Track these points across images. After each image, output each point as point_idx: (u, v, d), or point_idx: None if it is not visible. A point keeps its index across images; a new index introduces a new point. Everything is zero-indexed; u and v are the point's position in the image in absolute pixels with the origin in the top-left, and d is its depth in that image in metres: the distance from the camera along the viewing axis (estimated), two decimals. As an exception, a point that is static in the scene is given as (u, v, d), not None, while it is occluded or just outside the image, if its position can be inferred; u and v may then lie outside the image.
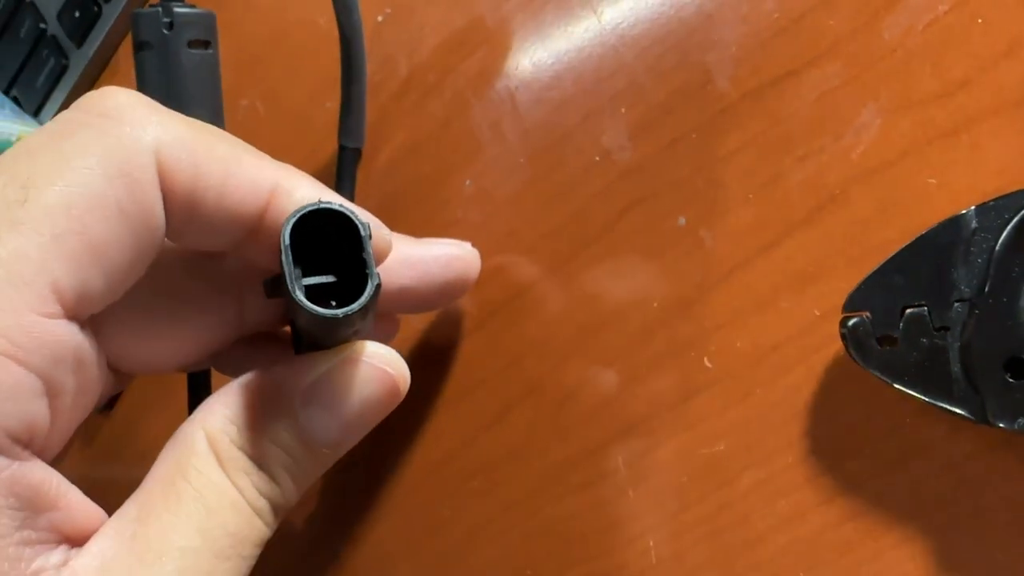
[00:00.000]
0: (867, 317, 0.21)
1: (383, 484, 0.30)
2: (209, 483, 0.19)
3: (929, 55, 0.22)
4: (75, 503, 0.19)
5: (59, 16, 0.41)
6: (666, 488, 0.25)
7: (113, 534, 0.19)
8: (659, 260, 0.25)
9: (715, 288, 0.24)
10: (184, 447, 0.20)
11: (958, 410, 0.20)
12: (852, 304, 0.21)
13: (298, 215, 0.18)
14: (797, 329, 0.23)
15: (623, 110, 0.26)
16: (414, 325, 0.30)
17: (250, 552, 0.20)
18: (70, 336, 0.19)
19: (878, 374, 0.21)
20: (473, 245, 0.27)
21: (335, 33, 0.29)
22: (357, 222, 0.19)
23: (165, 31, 0.27)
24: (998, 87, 0.21)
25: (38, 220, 0.18)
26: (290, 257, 0.18)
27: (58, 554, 0.19)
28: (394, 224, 0.23)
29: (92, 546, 0.19)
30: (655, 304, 0.25)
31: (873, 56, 0.23)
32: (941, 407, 0.20)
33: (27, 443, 0.19)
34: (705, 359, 0.24)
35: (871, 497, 0.22)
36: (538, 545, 0.27)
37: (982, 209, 0.20)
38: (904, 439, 0.21)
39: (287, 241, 0.18)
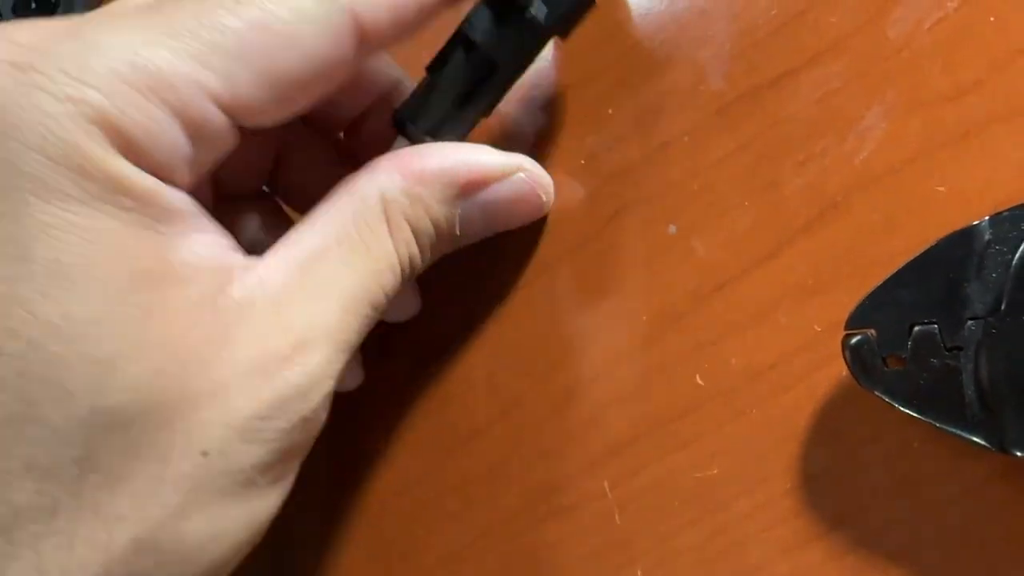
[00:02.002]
0: (872, 335, 0.19)
1: (352, 504, 0.28)
2: (379, 245, 0.22)
3: (939, 54, 0.21)
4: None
5: (14, 9, 0.39)
6: (655, 513, 0.23)
7: (289, 259, 0.21)
8: (648, 270, 0.24)
9: (708, 300, 0.23)
10: (363, 204, 0.22)
11: (974, 437, 0.18)
12: (856, 321, 0.20)
13: None
14: (796, 345, 0.22)
15: (610, 111, 0.25)
16: (392, 334, 0.28)
17: (384, 303, 0.22)
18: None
19: (884, 397, 0.19)
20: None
21: None
22: None
23: None
24: (1012, 88, 0.20)
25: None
26: None
27: (240, 257, 0.21)
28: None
29: (271, 261, 0.21)
30: (644, 317, 0.24)
31: (878, 55, 0.21)
32: (954, 433, 0.19)
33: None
34: (697, 376, 0.23)
35: (877, 526, 0.20)
36: (517, 572, 0.25)
37: (996, 220, 0.19)
38: (912, 465, 0.20)
39: None
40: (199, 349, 0.19)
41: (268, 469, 0.20)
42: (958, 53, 0.21)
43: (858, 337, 0.19)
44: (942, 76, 0.21)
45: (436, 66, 0.24)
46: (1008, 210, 0.19)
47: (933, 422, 0.19)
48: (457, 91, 0.23)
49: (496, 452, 0.26)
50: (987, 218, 0.19)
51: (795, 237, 0.22)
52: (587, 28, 0.25)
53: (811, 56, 0.22)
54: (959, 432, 0.19)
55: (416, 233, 0.22)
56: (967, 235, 0.19)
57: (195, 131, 0.19)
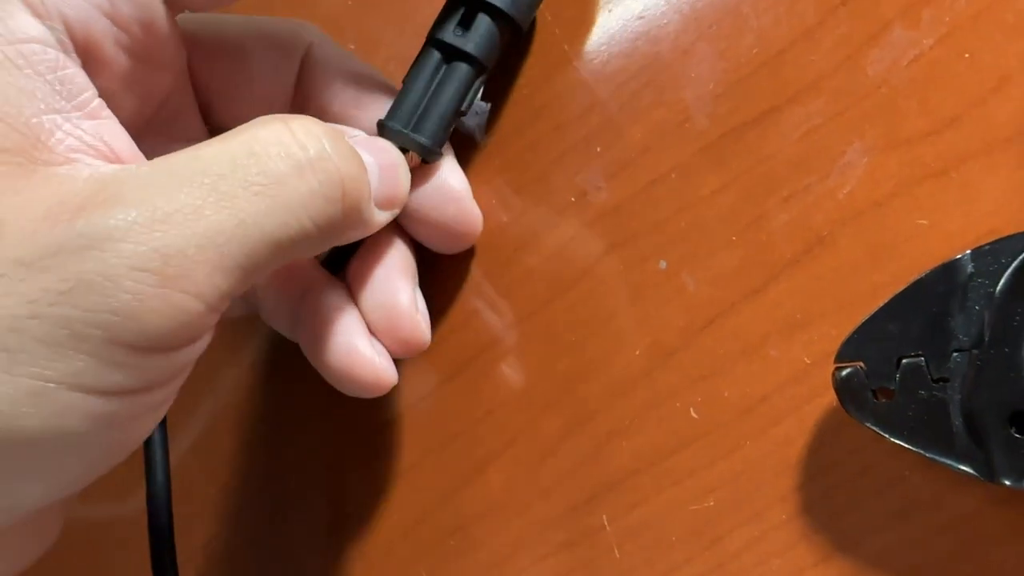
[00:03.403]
0: (861, 367, 0.20)
1: (355, 545, 0.28)
2: (273, 131, 0.19)
3: (915, 92, 0.21)
4: (118, 133, 0.19)
5: None
6: (654, 547, 0.23)
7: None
8: (640, 305, 0.24)
9: (700, 335, 0.23)
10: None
11: (962, 466, 0.19)
12: (845, 354, 0.20)
13: None
14: (786, 378, 0.22)
15: (598, 149, 0.25)
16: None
17: (306, 217, 0.19)
18: None
19: (875, 428, 0.20)
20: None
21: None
22: None
23: None
24: (988, 124, 0.21)
25: None
26: None
27: (92, 157, 0.18)
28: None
29: (128, 166, 0.18)
30: (637, 352, 0.24)
31: (857, 93, 0.22)
32: (943, 463, 0.19)
33: (83, 48, 0.19)
34: (691, 410, 0.23)
35: (870, 555, 0.21)
36: (520, 608, 0.25)
37: (978, 253, 0.19)
38: (903, 494, 0.20)
39: None
40: None
41: (43, 349, 0.16)
42: (935, 90, 0.21)
43: (848, 370, 0.20)
44: (920, 113, 0.21)
45: (409, 70, 0.25)
46: (989, 243, 0.19)
47: (923, 452, 0.19)
48: (425, 87, 0.25)
49: (497, 490, 0.26)
50: (969, 251, 0.19)
51: (782, 271, 0.22)
52: (578, 68, 0.26)
53: (793, 94, 0.23)
54: (948, 462, 0.19)
55: (327, 134, 0.20)
56: (950, 268, 0.19)
57: None
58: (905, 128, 0.21)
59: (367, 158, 0.22)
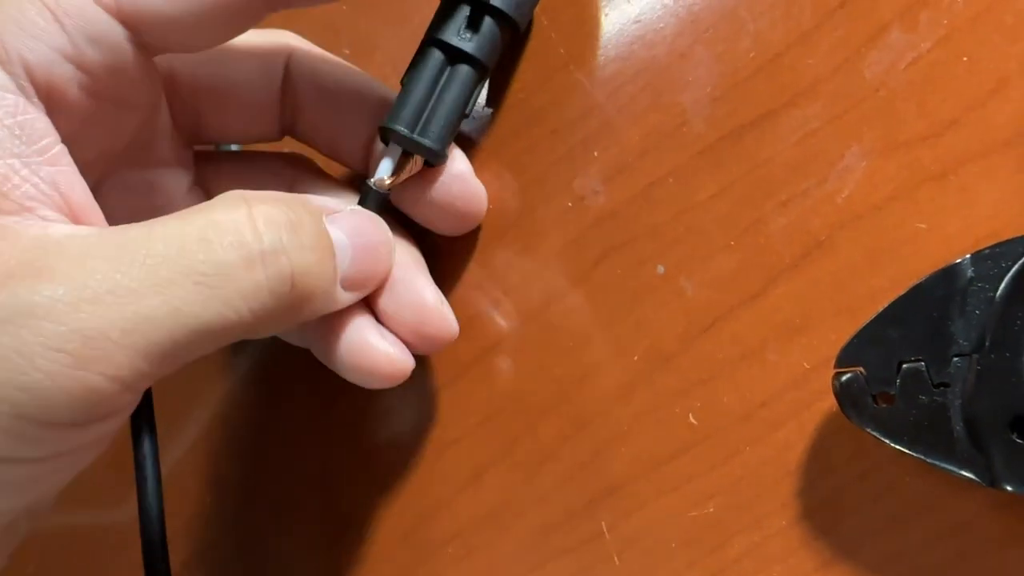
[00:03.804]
0: (861, 373, 0.20)
1: (352, 551, 0.28)
2: (224, 219, 0.19)
3: (913, 94, 0.21)
4: (76, 182, 0.19)
5: None
6: (654, 553, 0.23)
7: (99, 230, 0.18)
8: (638, 310, 0.24)
9: (698, 339, 0.23)
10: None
11: (962, 471, 0.19)
12: (845, 359, 0.20)
13: None
14: (786, 383, 0.22)
15: (595, 153, 0.25)
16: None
17: (240, 301, 0.18)
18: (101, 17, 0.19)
19: (875, 433, 0.19)
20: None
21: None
22: None
23: None
24: (986, 127, 0.21)
25: None
26: None
27: (47, 208, 0.18)
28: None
29: (85, 227, 0.18)
30: (635, 357, 0.24)
31: (855, 96, 0.22)
32: (944, 468, 0.19)
33: (45, 93, 0.19)
34: (690, 415, 0.23)
35: (870, 561, 0.21)
36: (519, 615, 0.25)
37: (978, 257, 0.19)
38: (904, 499, 0.20)
39: None
40: None
41: None
42: (933, 93, 0.21)
43: (848, 375, 0.20)
44: (918, 116, 0.21)
45: (408, 71, 0.25)
46: (988, 247, 0.19)
47: (924, 457, 0.19)
48: (429, 89, 0.24)
49: (495, 496, 0.26)
50: (968, 256, 0.19)
51: (781, 276, 0.22)
52: (574, 71, 0.26)
53: (790, 97, 0.23)
54: (949, 467, 0.19)
55: (287, 225, 0.19)
56: (950, 273, 0.19)
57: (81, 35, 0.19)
58: (903, 131, 0.21)
59: (341, 240, 0.21)
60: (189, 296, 0.17)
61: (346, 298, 0.22)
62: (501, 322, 0.26)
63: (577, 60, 0.26)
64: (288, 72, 0.25)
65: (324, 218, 0.21)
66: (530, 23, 0.26)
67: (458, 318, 0.27)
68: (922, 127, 0.21)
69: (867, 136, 0.22)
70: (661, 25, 0.25)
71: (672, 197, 0.24)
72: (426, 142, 0.24)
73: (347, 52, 0.30)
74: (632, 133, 0.25)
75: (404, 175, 0.24)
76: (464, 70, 0.24)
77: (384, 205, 0.24)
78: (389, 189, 0.24)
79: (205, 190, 0.26)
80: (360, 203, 0.24)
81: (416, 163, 0.24)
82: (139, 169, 0.23)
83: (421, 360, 0.27)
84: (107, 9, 0.20)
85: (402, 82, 0.25)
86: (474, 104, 0.25)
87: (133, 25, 0.20)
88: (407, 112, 0.24)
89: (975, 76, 0.21)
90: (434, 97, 0.24)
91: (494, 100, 0.27)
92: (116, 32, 0.20)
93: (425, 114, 0.24)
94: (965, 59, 0.21)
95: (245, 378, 0.31)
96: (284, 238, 0.19)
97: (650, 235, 0.24)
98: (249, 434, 0.30)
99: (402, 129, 0.24)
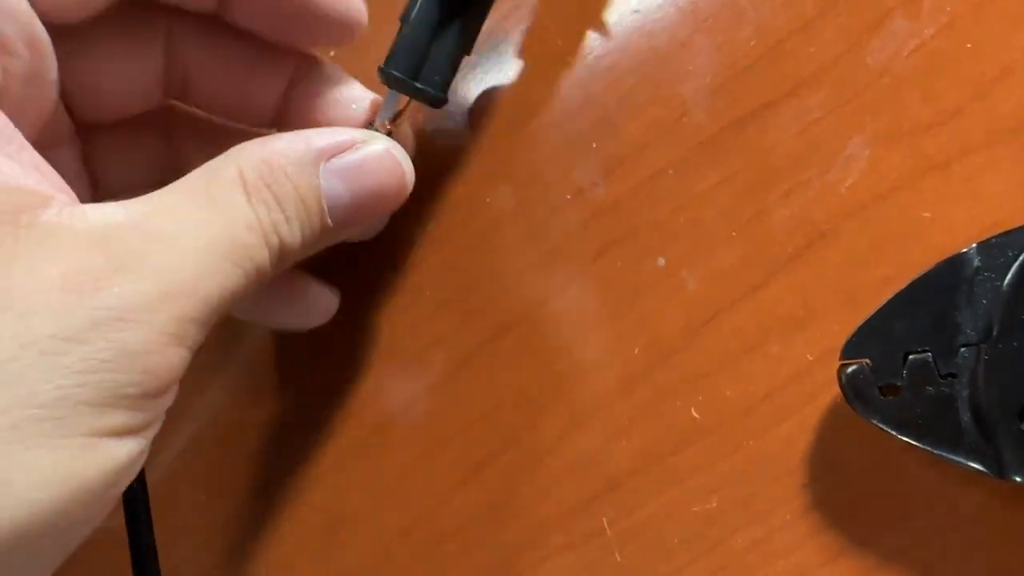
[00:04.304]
0: (867, 364, 0.19)
1: (352, 548, 0.28)
2: (232, 202, 0.20)
3: (917, 82, 0.21)
4: (42, 162, 0.20)
5: None
6: (656, 549, 0.23)
7: (129, 208, 0.19)
8: (639, 303, 0.24)
9: (700, 333, 0.23)
10: (213, 173, 0.21)
11: (971, 463, 0.18)
12: (850, 351, 0.20)
13: None
14: (789, 375, 0.22)
15: (594, 145, 0.25)
16: (380, 378, 0.28)
17: (252, 269, 0.20)
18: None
19: (881, 425, 0.19)
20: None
21: None
22: None
23: None
24: (992, 115, 0.20)
25: None
26: None
27: (72, 200, 0.19)
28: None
29: (104, 207, 0.19)
30: (636, 351, 0.24)
31: (858, 84, 0.22)
32: (952, 460, 0.19)
33: None
34: (692, 409, 0.23)
35: (878, 555, 0.20)
36: (520, 613, 0.25)
37: (984, 247, 0.19)
38: (911, 492, 0.20)
39: None
40: None
41: (89, 410, 0.18)
42: (937, 81, 0.21)
43: (853, 367, 0.19)
44: (922, 104, 0.21)
45: (407, 10, 0.24)
46: (995, 236, 0.19)
47: (931, 449, 0.19)
48: (430, 27, 0.23)
49: (495, 491, 0.25)
50: (975, 245, 0.19)
51: (784, 267, 0.22)
52: (572, 62, 0.25)
53: (792, 87, 0.22)
54: (957, 459, 0.19)
55: (278, 198, 0.21)
56: (956, 263, 0.19)
57: None
58: (907, 120, 0.21)
59: (338, 193, 0.22)
60: (230, 282, 0.20)
61: (340, 236, 0.23)
62: (500, 316, 0.26)
63: (574, 51, 0.26)
64: (172, 44, 0.25)
65: (322, 167, 0.22)
66: None
67: (457, 310, 0.27)
68: (926, 115, 0.21)
69: (870, 125, 0.21)
70: (660, 15, 0.24)
71: (673, 189, 0.24)
72: (427, 88, 0.24)
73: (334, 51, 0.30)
74: (631, 124, 0.24)
75: (403, 118, 0.24)
76: (464, 9, 0.24)
77: None
78: (389, 132, 0.24)
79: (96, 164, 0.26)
80: None
81: (416, 105, 0.24)
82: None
83: (419, 355, 0.27)
84: None
85: (401, 19, 0.24)
86: (474, 42, 0.24)
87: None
88: (406, 55, 0.23)
89: (979, 64, 0.21)
90: (434, 39, 0.23)
91: (489, 93, 0.27)
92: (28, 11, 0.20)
93: (425, 57, 0.23)
94: (969, 46, 0.21)
95: (235, 378, 0.30)
96: (271, 215, 0.21)
97: (651, 227, 0.24)
98: (244, 432, 0.30)
99: (400, 75, 0.23)
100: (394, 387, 0.28)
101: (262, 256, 0.21)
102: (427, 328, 0.27)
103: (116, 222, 0.19)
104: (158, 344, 0.19)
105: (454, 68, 0.24)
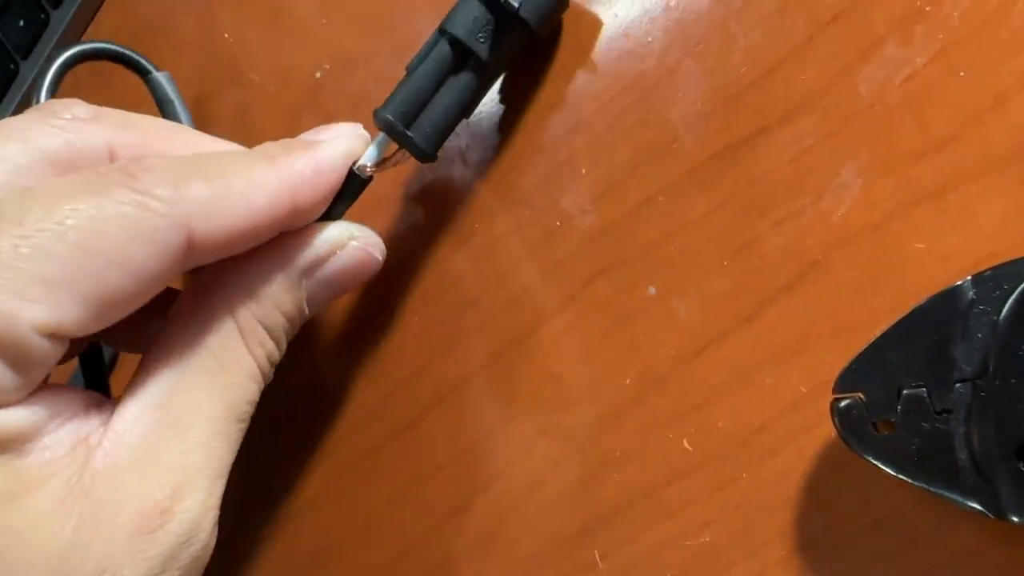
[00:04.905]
0: (860, 399, 0.19)
1: (338, 581, 0.27)
2: (235, 360, 0.22)
3: (910, 110, 0.21)
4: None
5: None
6: (648, 584, 0.22)
7: (147, 401, 0.21)
8: (630, 332, 0.24)
9: (691, 363, 0.23)
10: (212, 320, 0.21)
11: (967, 502, 0.18)
12: (843, 384, 0.19)
13: None
14: (783, 407, 0.21)
15: (583, 171, 0.25)
16: (369, 406, 0.27)
17: (252, 410, 0.22)
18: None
19: (876, 462, 0.19)
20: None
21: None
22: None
23: None
24: (985, 143, 0.20)
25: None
26: None
27: (93, 418, 0.20)
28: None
29: (127, 412, 0.20)
30: (627, 381, 0.23)
31: (850, 111, 0.21)
32: (949, 498, 0.18)
33: None
34: (685, 441, 0.22)
35: (873, 592, 0.20)
36: (510, 648, 0.24)
37: (979, 279, 0.18)
38: (906, 529, 0.20)
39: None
40: (75, 538, 0.19)
41: None
42: (929, 109, 0.21)
43: (847, 401, 0.19)
44: (915, 132, 0.21)
45: (415, 62, 0.24)
46: (990, 269, 0.18)
47: (926, 487, 0.18)
48: (431, 83, 0.23)
49: (483, 524, 0.25)
50: (969, 278, 0.18)
51: (776, 297, 0.22)
52: (560, 87, 0.25)
53: (783, 113, 0.22)
54: (953, 497, 0.18)
55: (269, 330, 0.22)
56: (950, 295, 0.19)
57: (17, 361, 0.19)
58: (900, 148, 0.21)
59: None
60: (235, 434, 0.22)
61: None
62: (489, 345, 0.25)
63: (563, 76, 0.25)
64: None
65: (303, 282, 0.23)
66: (559, 24, 0.25)
67: (442, 341, 0.26)
68: (919, 144, 0.21)
69: (863, 153, 0.21)
70: (649, 39, 0.24)
71: (663, 216, 0.23)
72: (418, 141, 0.23)
73: (327, 67, 0.29)
74: (621, 150, 0.24)
75: (389, 165, 0.24)
76: (473, 75, 0.23)
77: (363, 189, 0.24)
78: (371, 176, 0.23)
79: None
80: (341, 188, 0.23)
81: (405, 155, 0.24)
82: None
83: (408, 383, 0.27)
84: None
85: (407, 68, 0.24)
86: (475, 107, 0.24)
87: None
88: (404, 104, 0.23)
89: (972, 92, 0.20)
90: (436, 95, 0.23)
91: (478, 119, 0.26)
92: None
93: (424, 111, 0.23)
94: (962, 74, 0.20)
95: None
96: (265, 348, 0.23)
97: (641, 255, 0.23)
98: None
99: (395, 122, 0.23)
100: (383, 417, 0.27)
101: (259, 392, 0.22)
102: (416, 355, 0.27)
103: (145, 434, 0.20)
104: (212, 534, 0.21)
105: (450, 128, 0.24)
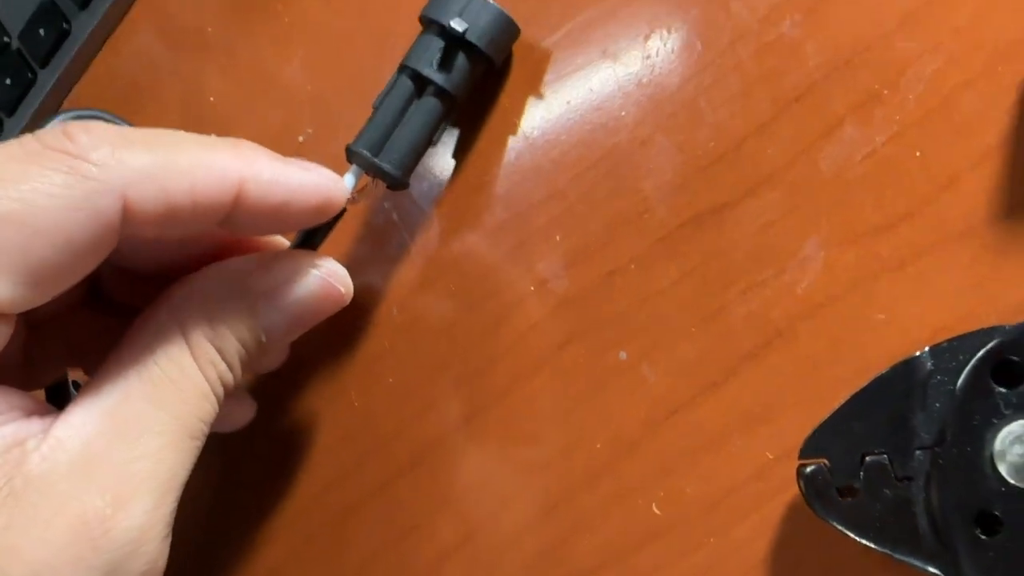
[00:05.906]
0: (825, 465, 0.20)
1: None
2: (184, 376, 0.21)
3: (870, 187, 0.22)
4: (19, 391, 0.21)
5: (22, 34, 0.37)
6: (618, 649, 0.23)
7: (93, 410, 0.20)
8: (601, 397, 0.24)
9: (661, 427, 0.23)
10: (162, 336, 0.21)
11: (929, 567, 0.18)
12: (808, 450, 0.20)
13: None
14: (749, 473, 0.22)
15: (558, 238, 0.25)
16: (343, 465, 0.27)
17: (206, 430, 0.22)
18: None
19: (840, 527, 0.19)
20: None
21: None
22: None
23: None
24: (941, 220, 0.21)
25: None
26: None
27: (35, 423, 0.20)
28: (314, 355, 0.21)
29: (71, 418, 0.20)
30: (598, 445, 0.24)
31: (813, 187, 0.22)
32: (911, 564, 0.19)
33: None
34: (654, 505, 0.23)
35: (839, 658, 0.20)
36: None
37: (936, 351, 0.19)
38: (871, 595, 0.20)
39: None
40: (3, 540, 0.18)
41: None
42: (888, 186, 0.22)
43: (812, 467, 0.20)
44: (874, 208, 0.22)
45: (380, 98, 0.25)
46: (946, 341, 0.19)
47: (890, 552, 0.19)
48: (395, 114, 0.25)
49: (453, 587, 0.25)
50: (927, 348, 0.19)
51: (741, 365, 0.22)
52: (537, 157, 0.26)
53: (749, 187, 0.23)
54: (916, 563, 0.19)
55: (220, 351, 0.22)
56: (910, 366, 0.19)
57: None
58: (860, 223, 0.22)
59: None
60: (189, 450, 0.22)
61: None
62: (462, 408, 0.26)
63: (540, 145, 0.26)
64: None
65: (260, 306, 0.23)
66: (509, 56, 0.27)
67: (416, 404, 0.26)
68: (878, 219, 0.21)
69: (825, 227, 0.22)
70: (623, 113, 0.25)
71: (634, 284, 0.24)
72: (386, 166, 0.25)
73: (310, 131, 0.30)
74: (594, 219, 0.25)
75: (364, 196, 0.25)
76: (432, 101, 0.25)
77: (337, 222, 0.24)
78: (344, 208, 0.24)
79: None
80: None
81: (378, 185, 0.25)
82: None
83: (382, 444, 0.27)
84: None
85: (374, 105, 0.25)
86: (442, 133, 0.26)
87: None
88: (372, 135, 0.25)
89: (928, 171, 0.21)
90: (401, 123, 0.25)
91: (456, 183, 0.27)
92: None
93: (390, 139, 0.25)
94: (918, 154, 0.21)
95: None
96: (217, 369, 0.22)
97: (612, 321, 0.24)
98: (195, 516, 0.29)
99: (364, 152, 0.24)
100: (356, 475, 0.27)
101: (213, 412, 0.22)
102: (394, 415, 0.27)
103: (87, 442, 0.20)
104: (162, 551, 0.21)
105: (418, 154, 0.25)
